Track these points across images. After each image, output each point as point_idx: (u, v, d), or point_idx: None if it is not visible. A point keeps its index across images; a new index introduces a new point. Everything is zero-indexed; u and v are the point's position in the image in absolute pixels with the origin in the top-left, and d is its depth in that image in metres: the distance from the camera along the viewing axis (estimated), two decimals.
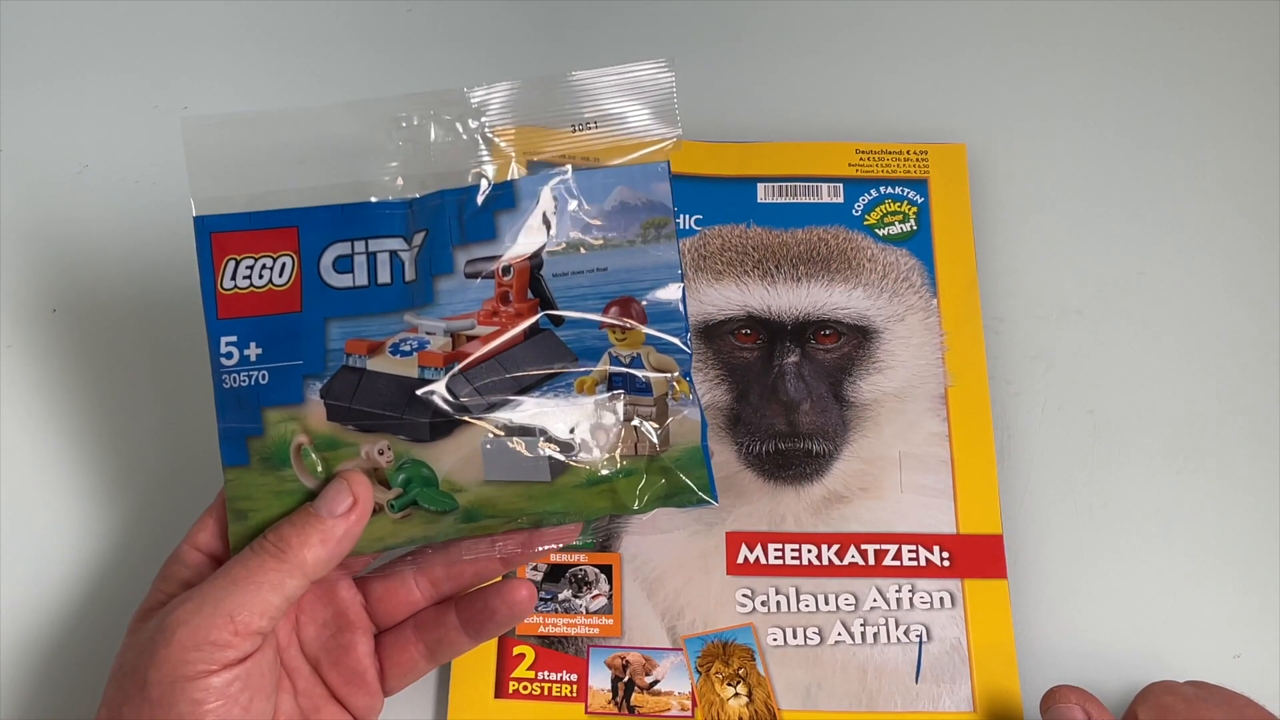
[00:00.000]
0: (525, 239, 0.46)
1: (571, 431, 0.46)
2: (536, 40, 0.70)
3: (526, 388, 0.46)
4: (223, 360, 0.46)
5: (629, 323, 0.46)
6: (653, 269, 0.47)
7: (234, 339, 0.46)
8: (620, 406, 0.47)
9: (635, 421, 0.47)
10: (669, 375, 0.47)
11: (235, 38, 0.70)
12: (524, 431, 0.46)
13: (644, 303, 0.47)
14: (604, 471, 0.46)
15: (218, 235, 0.46)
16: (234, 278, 0.46)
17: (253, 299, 0.46)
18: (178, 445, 0.59)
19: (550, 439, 0.46)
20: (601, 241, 0.47)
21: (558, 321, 0.46)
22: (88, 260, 0.63)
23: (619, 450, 0.46)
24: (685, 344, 0.47)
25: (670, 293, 0.47)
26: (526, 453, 0.46)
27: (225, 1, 0.71)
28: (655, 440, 0.47)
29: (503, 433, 0.46)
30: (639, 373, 0.47)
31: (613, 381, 0.46)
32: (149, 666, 0.42)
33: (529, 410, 0.46)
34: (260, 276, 0.46)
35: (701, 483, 0.47)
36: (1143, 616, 0.56)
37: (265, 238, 0.46)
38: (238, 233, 0.46)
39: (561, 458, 0.46)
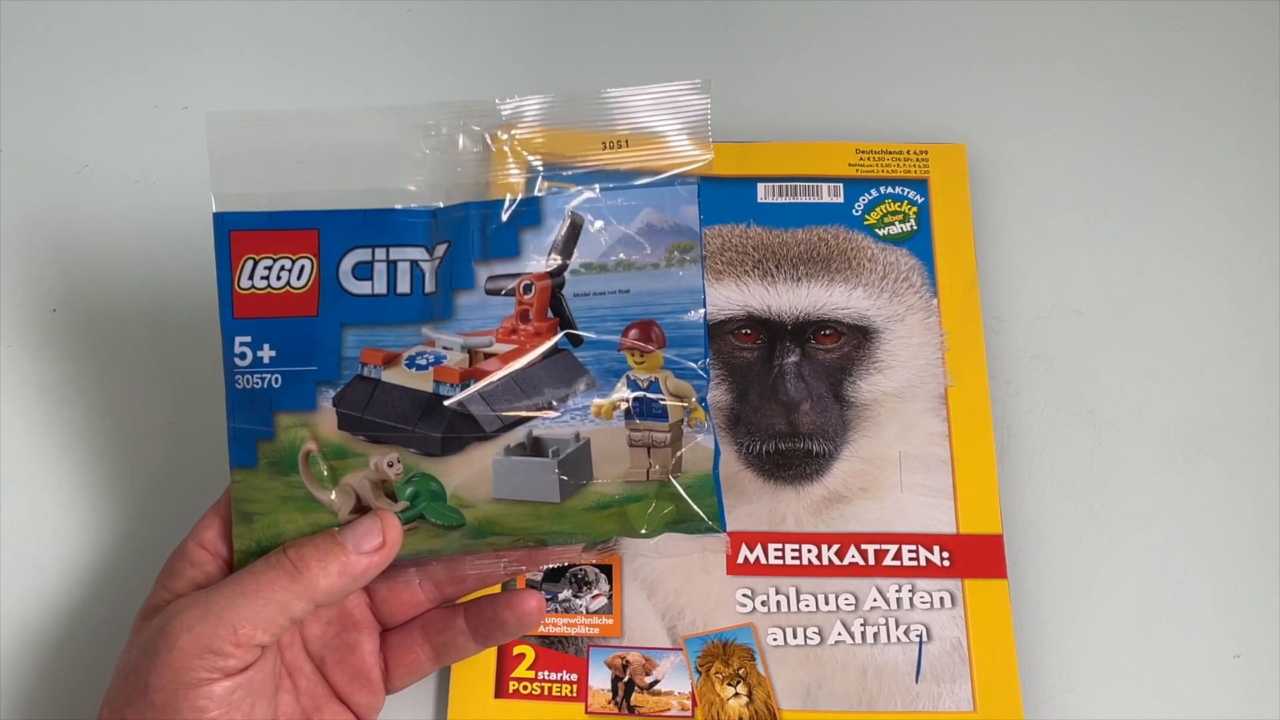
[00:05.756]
0: (548, 257, 0.46)
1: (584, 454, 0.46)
2: (535, 40, 0.70)
3: (541, 408, 0.46)
4: (236, 360, 0.45)
5: (648, 347, 0.46)
6: (675, 293, 0.46)
7: (248, 339, 0.45)
8: (635, 432, 0.46)
9: (648, 447, 0.46)
10: (685, 402, 0.46)
11: (235, 37, 0.70)
12: (536, 451, 0.46)
13: (664, 327, 0.46)
14: (614, 495, 0.46)
15: (237, 233, 0.45)
16: (251, 277, 0.45)
17: (269, 300, 0.45)
18: (178, 445, 0.59)
19: (562, 460, 0.45)
20: (625, 263, 0.46)
21: (577, 342, 0.46)
22: (88, 260, 0.63)
23: (630, 474, 0.46)
24: (704, 370, 0.46)
25: (692, 318, 0.46)
26: (537, 473, 0.45)
27: (225, 1, 0.71)
28: (668, 466, 0.46)
29: (515, 451, 0.46)
30: (656, 397, 0.46)
31: (629, 405, 0.46)
32: (151, 670, 0.42)
33: (542, 430, 0.46)
34: (278, 278, 0.46)
35: (711, 511, 0.46)
36: (1143, 616, 0.56)
37: (285, 239, 0.46)
38: (257, 232, 0.46)
39: (571, 479, 0.46)
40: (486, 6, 0.71)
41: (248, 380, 0.45)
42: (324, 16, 0.71)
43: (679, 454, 0.46)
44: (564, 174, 0.47)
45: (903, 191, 0.63)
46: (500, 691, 0.53)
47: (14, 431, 0.59)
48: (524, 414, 0.46)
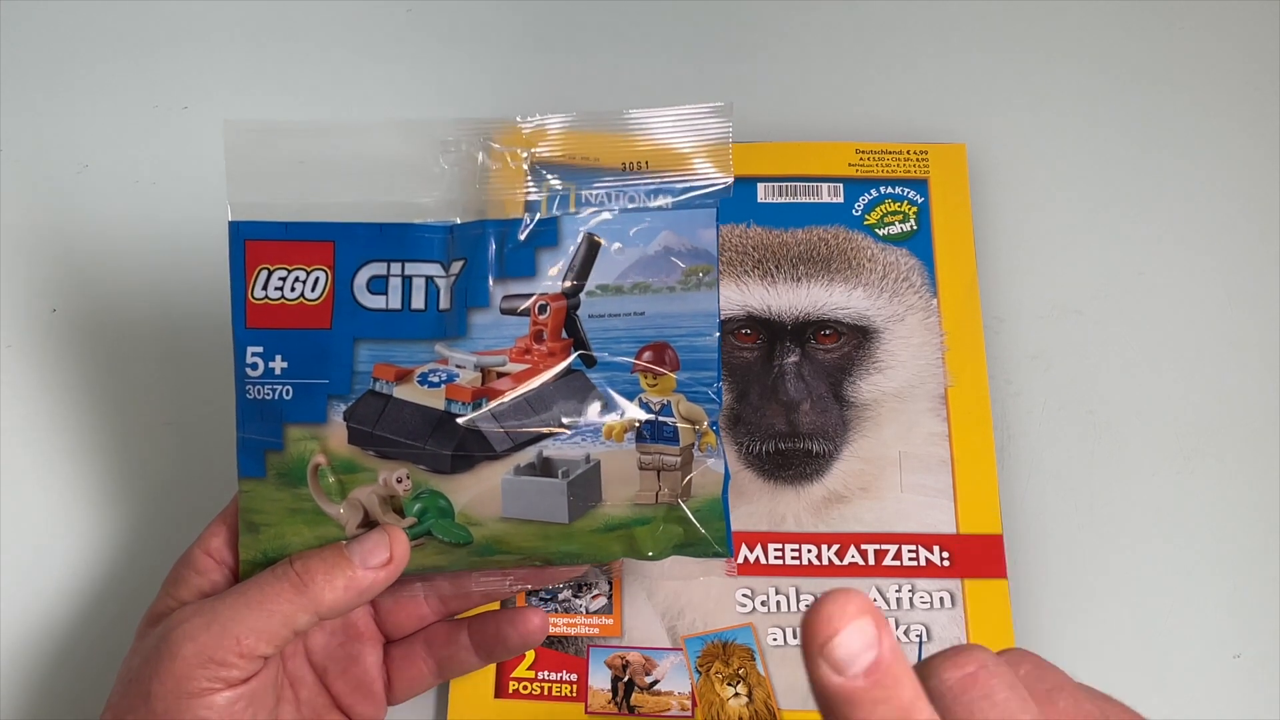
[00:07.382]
0: (564, 278, 0.46)
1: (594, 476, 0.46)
2: (534, 41, 0.70)
3: (553, 428, 0.46)
4: (247, 370, 0.45)
5: (662, 369, 0.46)
6: (690, 316, 0.46)
7: (260, 350, 0.45)
8: (645, 455, 0.46)
9: (658, 470, 0.46)
10: (697, 425, 0.46)
11: (235, 37, 0.70)
12: (545, 472, 0.46)
13: (678, 350, 0.46)
14: (622, 517, 0.46)
15: (252, 243, 0.45)
16: (265, 288, 0.45)
17: (283, 311, 0.45)
18: (179, 447, 0.59)
19: (571, 481, 0.45)
20: (642, 285, 0.46)
21: (590, 363, 0.46)
22: (88, 260, 0.63)
23: (639, 497, 0.46)
24: (716, 394, 0.46)
25: (706, 342, 0.46)
26: (546, 493, 0.45)
27: (225, 1, 0.71)
28: (677, 490, 0.46)
29: (524, 471, 0.46)
30: (667, 420, 0.46)
31: (641, 428, 0.46)
32: (153, 678, 0.42)
33: (552, 451, 0.46)
34: (292, 289, 0.45)
35: (719, 535, 0.46)
36: (1143, 616, 0.56)
37: (300, 250, 0.45)
38: (273, 242, 0.45)
39: (580, 501, 0.46)
40: (487, 8, 0.71)
41: (259, 391, 0.45)
42: (324, 17, 0.71)
43: (689, 478, 0.46)
44: (582, 194, 0.46)
45: (903, 191, 0.63)
46: (500, 691, 0.53)
47: (13, 432, 0.59)
48: (535, 433, 0.46)
